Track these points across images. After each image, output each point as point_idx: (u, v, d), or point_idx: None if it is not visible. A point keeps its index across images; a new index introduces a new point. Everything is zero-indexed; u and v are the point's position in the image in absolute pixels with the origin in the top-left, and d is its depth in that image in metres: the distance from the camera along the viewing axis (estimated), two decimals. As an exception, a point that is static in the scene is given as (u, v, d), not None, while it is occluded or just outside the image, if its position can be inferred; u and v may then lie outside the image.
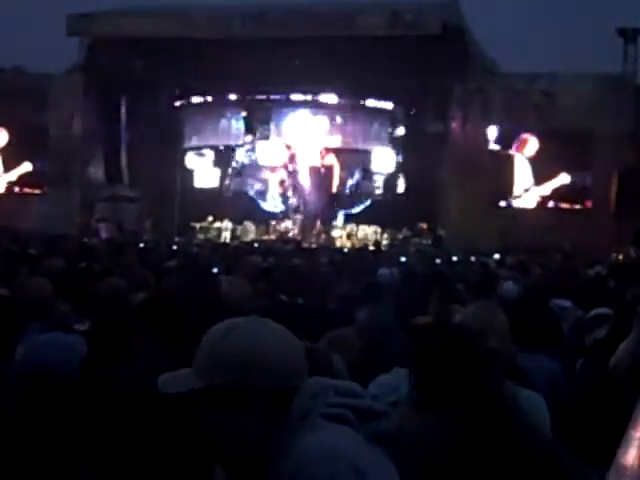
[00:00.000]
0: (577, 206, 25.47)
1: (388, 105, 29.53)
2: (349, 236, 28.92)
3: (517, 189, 26.21)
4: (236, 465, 1.92)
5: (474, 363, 2.73)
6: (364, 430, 1.91)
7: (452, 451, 2.53)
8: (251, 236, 28.42)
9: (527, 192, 26.04)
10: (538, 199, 25.95)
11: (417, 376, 2.78)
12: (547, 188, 25.77)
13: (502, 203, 26.24)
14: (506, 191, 26.18)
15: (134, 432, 1.48)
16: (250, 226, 29.32)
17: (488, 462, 2.55)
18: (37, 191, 28.39)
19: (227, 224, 29.35)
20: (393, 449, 1.95)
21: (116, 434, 1.49)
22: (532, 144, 25.76)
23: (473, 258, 16.57)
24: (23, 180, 28.62)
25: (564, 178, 25.45)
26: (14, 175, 28.77)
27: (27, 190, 28.66)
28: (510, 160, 26.19)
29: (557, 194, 25.69)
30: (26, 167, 28.52)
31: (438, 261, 15.77)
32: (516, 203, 26.23)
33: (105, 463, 1.59)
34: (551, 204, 25.81)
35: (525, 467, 2.54)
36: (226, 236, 28.66)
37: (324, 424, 1.88)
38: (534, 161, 25.93)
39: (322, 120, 29.51)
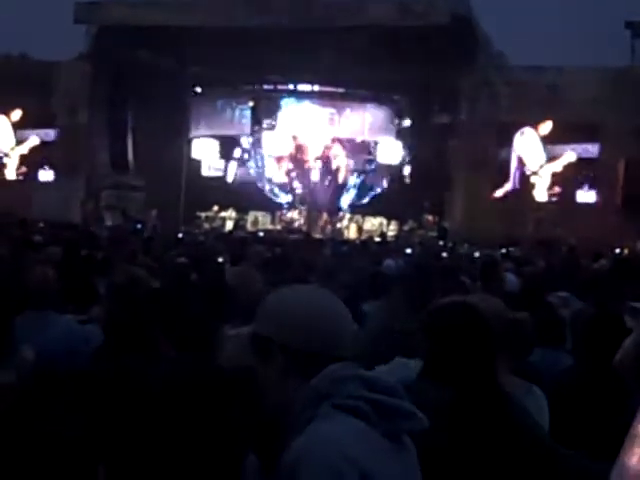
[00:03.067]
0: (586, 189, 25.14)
1: (395, 96, 29.46)
2: (355, 227, 28.92)
3: (532, 165, 25.93)
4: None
5: (485, 345, 2.68)
6: (384, 427, 1.89)
7: (441, 428, 2.50)
8: (262, 226, 28.41)
9: (542, 168, 25.80)
10: (550, 179, 25.62)
11: (427, 348, 2.75)
12: (558, 165, 25.52)
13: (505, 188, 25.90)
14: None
15: (151, 424, 1.47)
16: (260, 216, 29.35)
17: (476, 446, 2.53)
18: (45, 175, 28.29)
19: (231, 213, 29.35)
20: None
21: (132, 427, 1.47)
22: (547, 124, 25.39)
23: (477, 253, 16.50)
24: (30, 162, 28.53)
25: (570, 156, 25.23)
26: (25, 148, 28.66)
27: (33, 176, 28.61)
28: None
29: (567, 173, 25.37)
30: (34, 140, 28.43)
31: (444, 254, 15.73)
32: (533, 179, 25.90)
33: (123, 459, 1.58)
34: (556, 197, 25.62)
35: (518, 462, 2.52)
36: (230, 225, 28.68)
37: (333, 414, 1.86)
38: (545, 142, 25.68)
39: (329, 111, 29.46)
